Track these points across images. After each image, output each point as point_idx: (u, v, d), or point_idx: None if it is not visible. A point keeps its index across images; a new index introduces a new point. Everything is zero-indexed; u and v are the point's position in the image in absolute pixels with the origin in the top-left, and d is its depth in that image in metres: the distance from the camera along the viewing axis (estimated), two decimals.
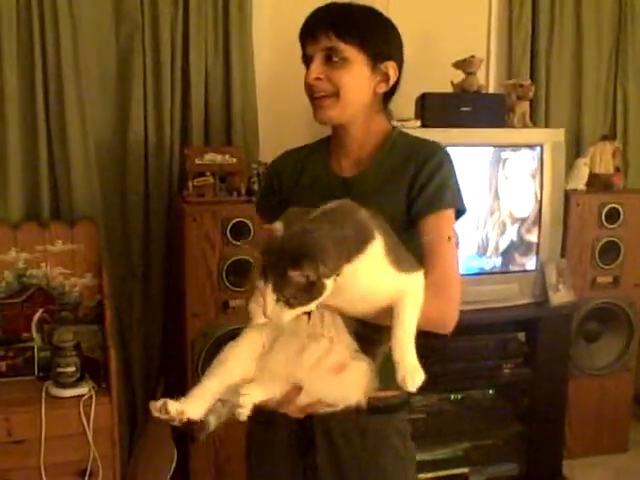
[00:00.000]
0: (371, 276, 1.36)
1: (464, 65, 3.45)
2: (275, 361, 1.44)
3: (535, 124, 3.72)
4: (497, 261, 3.42)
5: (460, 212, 1.68)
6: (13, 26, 3.06)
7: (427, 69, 3.60)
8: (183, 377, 3.16)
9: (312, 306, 1.32)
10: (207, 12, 3.33)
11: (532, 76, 3.86)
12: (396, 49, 1.69)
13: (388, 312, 1.39)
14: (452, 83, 3.49)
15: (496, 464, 3.48)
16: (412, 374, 1.31)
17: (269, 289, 1.29)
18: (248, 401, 1.37)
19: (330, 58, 1.59)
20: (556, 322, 3.46)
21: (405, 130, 1.78)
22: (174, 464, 2.95)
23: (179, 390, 3.07)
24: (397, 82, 1.72)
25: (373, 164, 1.68)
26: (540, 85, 3.85)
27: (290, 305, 1.29)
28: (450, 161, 1.66)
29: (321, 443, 1.66)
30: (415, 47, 3.65)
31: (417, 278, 1.41)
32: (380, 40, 1.65)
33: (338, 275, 1.31)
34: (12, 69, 3.07)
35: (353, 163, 1.70)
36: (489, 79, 3.94)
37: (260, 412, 1.43)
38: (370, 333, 1.47)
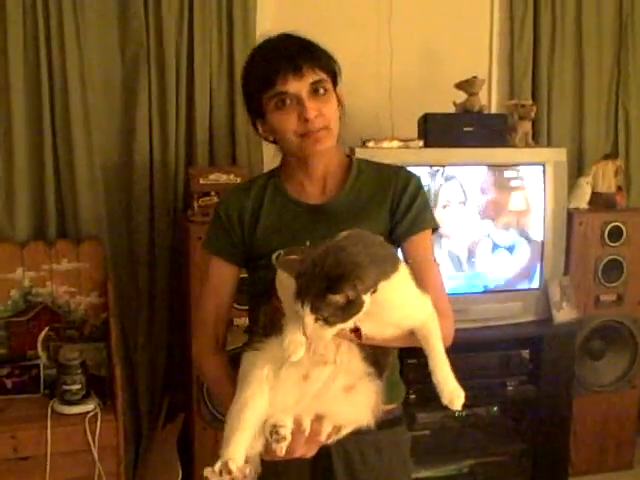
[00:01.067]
0: (404, 294, 1.41)
1: (466, 86, 3.48)
2: (282, 393, 1.44)
3: (537, 143, 3.74)
4: (501, 279, 3.42)
5: (434, 229, 1.75)
6: (20, 47, 3.10)
7: (429, 90, 3.67)
8: (188, 394, 3.17)
9: (351, 322, 1.35)
10: (211, 32, 3.37)
11: (534, 96, 3.88)
12: (339, 73, 1.71)
13: (407, 339, 1.46)
14: (454, 103, 3.52)
15: None
16: (458, 394, 1.41)
17: (307, 310, 1.30)
18: (288, 432, 1.39)
19: (316, 91, 1.60)
20: (560, 340, 3.46)
21: (386, 161, 1.82)
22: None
23: (183, 408, 3.08)
24: None
25: (344, 191, 1.70)
26: (542, 105, 3.87)
27: (329, 324, 1.31)
28: (423, 186, 1.74)
29: (338, 466, 1.67)
30: (417, 68, 3.77)
31: (430, 302, 1.47)
32: (336, 66, 1.68)
33: (375, 291, 1.34)
34: (19, 89, 3.11)
35: (319, 189, 1.72)
36: (491, 99, 3.97)
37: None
38: (380, 358, 1.51)
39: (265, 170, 3.42)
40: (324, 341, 1.38)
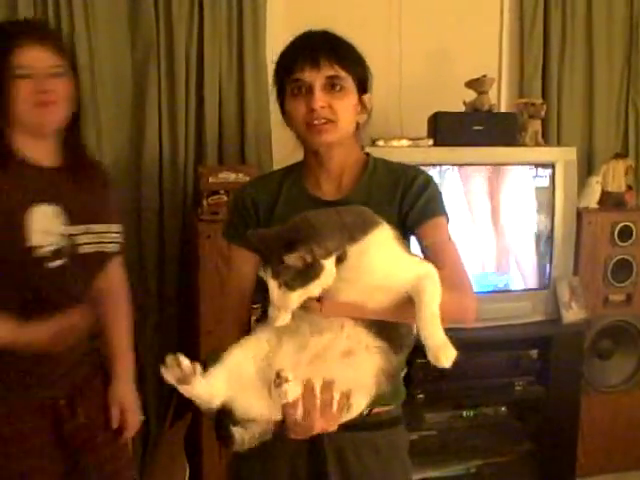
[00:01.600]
0: (383, 258, 1.43)
1: (476, 84, 3.47)
2: (280, 359, 1.46)
3: (547, 142, 3.73)
4: (510, 279, 3.42)
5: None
6: None
7: (439, 89, 3.66)
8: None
9: (315, 289, 1.38)
10: (221, 30, 3.38)
11: (544, 95, 3.87)
12: (370, 82, 1.76)
13: (406, 307, 1.45)
14: (464, 102, 3.51)
15: None
16: (444, 350, 1.35)
17: (269, 275, 1.36)
18: (290, 375, 1.39)
19: (332, 86, 1.64)
20: (569, 340, 3.46)
21: (396, 160, 1.84)
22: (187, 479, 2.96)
23: (191, 408, 3.08)
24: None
25: (357, 188, 1.73)
26: (552, 104, 3.86)
27: (290, 288, 1.36)
28: (434, 181, 1.75)
29: (332, 462, 1.67)
30: (427, 67, 3.76)
31: (432, 267, 1.48)
32: (366, 72, 1.73)
33: (343, 258, 1.38)
34: None
35: (335, 186, 1.75)
36: (501, 98, 3.96)
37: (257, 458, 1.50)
38: (391, 331, 1.51)
39: (274, 169, 3.46)
40: (291, 307, 1.39)
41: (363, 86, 1.71)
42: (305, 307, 1.42)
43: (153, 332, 3.42)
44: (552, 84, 3.91)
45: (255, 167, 3.35)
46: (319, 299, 1.43)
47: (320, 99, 1.62)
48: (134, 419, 2.17)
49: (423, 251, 1.66)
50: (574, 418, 3.52)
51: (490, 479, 3.41)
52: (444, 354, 1.35)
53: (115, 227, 2.07)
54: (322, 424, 1.47)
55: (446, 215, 1.73)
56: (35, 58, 1.86)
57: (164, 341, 3.43)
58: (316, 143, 1.68)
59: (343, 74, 1.64)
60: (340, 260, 1.39)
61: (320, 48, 1.64)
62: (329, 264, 1.37)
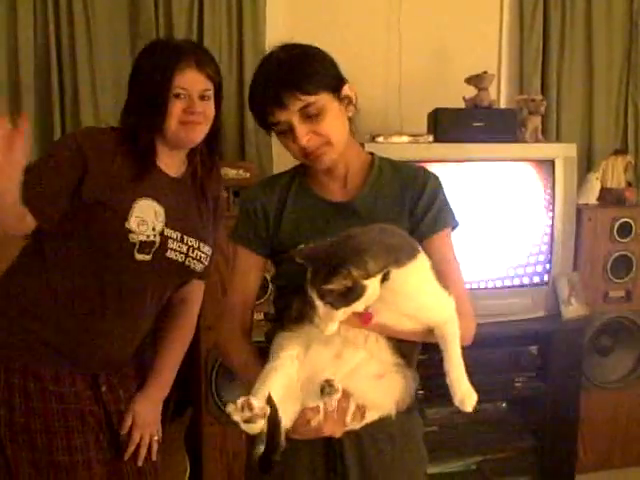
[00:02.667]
0: (421, 288, 1.48)
1: (476, 81, 3.47)
2: (313, 366, 1.50)
3: (546, 139, 3.73)
4: (509, 275, 3.42)
5: (454, 227, 1.77)
6: (30, 45, 3.11)
7: (439, 85, 3.66)
8: (196, 390, 3.18)
9: (359, 306, 1.43)
10: (221, 28, 3.38)
11: (543, 91, 3.87)
12: (338, 70, 1.71)
13: (425, 334, 1.52)
14: (464, 98, 3.51)
15: (508, 477, 3.48)
16: (469, 396, 1.48)
17: (315, 297, 1.41)
18: (340, 386, 1.43)
19: (307, 115, 1.61)
20: (568, 336, 3.46)
21: (396, 156, 1.84)
22: (187, 476, 2.96)
23: (191, 404, 3.09)
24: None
25: (365, 189, 1.73)
26: (551, 100, 3.86)
27: (335, 307, 1.41)
28: (442, 184, 1.76)
29: (350, 451, 1.69)
30: (427, 63, 3.76)
31: (453, 303, 1.53)
32: (328, 71, 1.67)
33: (386, 278, 1.42)
34: (29, 86, 3.12)
35: (341, 187, 1.75)
36: (500, 94, 3.97)
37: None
38: (406, 352, 1.57)
39: (274, 165, 3.48)
40: (336, 322, 1.44)
41: (337, 84, 1.68)
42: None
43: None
44: (552, 80, 3.91)
45: (255, 163, 3.35)
46: (367, 316, 1.48)
47: (303, 135, 1.62)
48: (136, 437, 2.18)
49: None
50: (574, 414, 3.52)
51: (490, 475, 3.42)
52: (469, 400, 1.48)
53: (207, 249, 2.16)
54: (331, 429, 1.51)
55: (454, 223, 1.74)
56: (192, 80, 1.98)
57: None
58: (321, 166, 1.69)
59: (312, 98, 1.61)
60: (384, 279, 1.43)
61: (280, 85, 1.60)
62: (372, 283, 1.41)
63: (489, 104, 3.50)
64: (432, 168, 1.80)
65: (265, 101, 1.62)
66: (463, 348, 1.60)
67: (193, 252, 2.10)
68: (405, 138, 3.26)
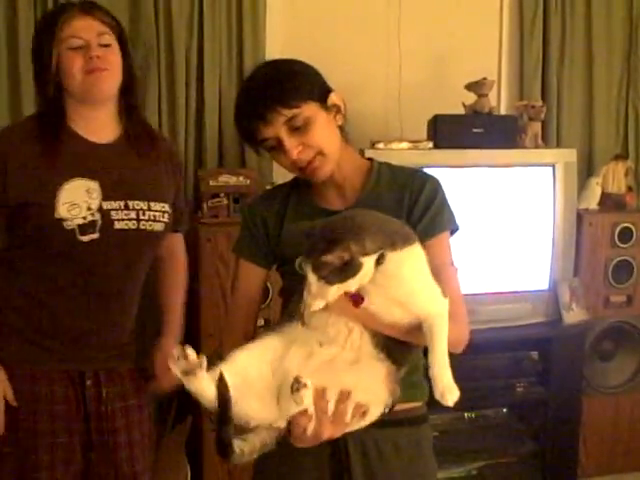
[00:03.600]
0: (415, 274, 1.46)
1: (476, 87, 3.48)
2: (289, 365, 1.48)
3: (547, 144, 3.74)
4: (510, 280, 3.42)
5: (454, 231, 1.75)
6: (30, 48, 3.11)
7: (439, 91, 3.66)
8: (195, 400, 3.17)
9: (352, 285, 1.42)
10: (221, 35, 3.39)
11: (543, 97, 3.87)
12: (322, 79, 1.69)
13: (413, 331, 1.49)
14: (464, 105, 3.51)
15: None
16: (450, 390, 1.42)
17: (309, 269, 1.40)
18: (309, 382, 1.40)
19: (294, 127, 1.59)
20: (569, 341, 3.46)
21: (396, 162, 1.83)
22: None
23: (192, 411, 3.08)
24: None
25: (364, 196, 1.72)
26: (551, 105, 3.86)
27: (329, 282, 1.39)
28: (441, 186, 1.73)
29: (355, 459, 1.68)
30: (427, 70, 3.77)
31: (447, 303, 1.50)
32: (311, 82, 1.65)
33: (381, 261, 1.41)
34: (29, 95, 3.12)
35: (340, 195, 1.74)
36: (500, 100, 3.97)
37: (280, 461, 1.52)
38: (393, 349, 1.53)
39: (274, 172, 3.48)
40: (328, 299, 1.42)
41: (323, 93, 1.66)
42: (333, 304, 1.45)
43: (153, 335, 3.41)
44: (552, 86, 3.91)
45: (255, 170, 3.35)
46: (357, 298, 1.46)
47: (293, 148, 1.60)
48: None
49: None
50: (575, 419, 3.53)
51: None
52: (450, 394, 1.41)
53: (160, 206, 2.11)
54: (330, 431, 1.48)
55: (453, 226, 1.72)
56: (82, 27, 1.93)
57: None
58: (318, 179, 1.68)
59: (296, 111, 1.58)
60: (378, 262, 1.42)
61: (261, 102, 1.58)
62: (368, 262, 1.40)
63: (489, 110, 3.50)
64: (432, 174, 1.79)
65: (249, 119, 1.60)
66: (468, 352, 1.61)
67: (144, 214, 2.06)
68: (405, 144, 3.27)
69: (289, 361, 1.48)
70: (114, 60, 1.99)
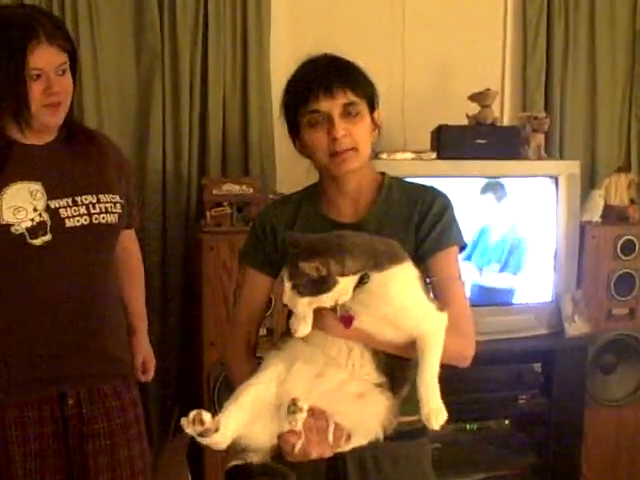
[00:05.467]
0: (403, 293, 1.46)
1: (479, 98, 3.48)
2: (292, 385, 1.49)
3: (550, 156, 3.74)
4: (513, 292, 3.42)
5: (462, 248, 1.77)
6: None
7: (443, 102, 3.67)
8: (199, 405, 3.16)
9: (326, 301, 1.43)
10: (225, 43, 3.40)
11: (546, 108, 3.88)
12: (377, 99, 1.75)
13: (410, 348, 1.49)
14: (467, 115, 3.52)
15: None
16: (436, 414, 1.42)
17: (286, 276, 1.43)
18: (305, 406, 1.43)
19: (347, 112, 1.64)
20: (572, 353, 3.45)
21: (399, 173, 1.87)
22: None
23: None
24: None
25: (373, 210, 1.74)
26: (555, 117, 3.87)
27: (301, 293, 1.41)
28: (451, 203, 1.76)
29: (352, 472, 1.68)
30: (431, 80, 3.78)
31: (443, 318, 1.51)
32: (374, 91, 1.73)
33: (365, 280, 1.42)
34: None
35: (352, 208, 1.75)
36: (504, 111, 3.97)
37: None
38: (396, 370, 1.55)
39: (278, 181, 3.48)
40: (298, 311, 1.45)
41: (372, 104, 1.71)
42: (324, 325, 1.48)
43: (156, 343, 3.41)
44: (555, 97, 3.92)
45: (259, 179, 3.35)
46: (348, 318, 1.47)
47: (341, 127, 1.63)
48: (152, 365, 2.44)
49: (431, 283, 1.67)
50: (578, 431, 3.51)
51: None
52: (435, 418, 1.42)
53: (110, 197, 2.08)
54: (319, 450, 1.49)
55: (460, 242, 1.74)
56: (46, 58, 1.90)
57: (167, 352, 3.43)
58: (340, 172, 1.68)
59: (357, 99, 1.65)
60: (362, 282, 1.43)
61: (331, 76, 1.64)
62: (345, 282, 1.41)
63: (492, 121, 3.51)
64: (435, 185, 1.80)
65: (312, 86, 1.63)
66: (470, 364, 1.61)
67: (95, 207, 2.03)
68: (409, 155, 3.27)
69: (291, 380, 1.49)
70: (69, 88, 1.99)
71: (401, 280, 1.47)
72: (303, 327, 1.46)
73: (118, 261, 2.28)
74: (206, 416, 1.41)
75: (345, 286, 1.42)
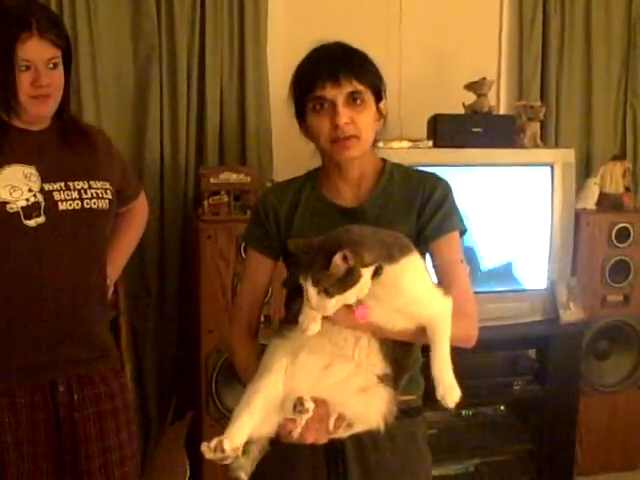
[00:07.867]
0: (414, 284, 1.49)
1: (475, 87, 3.49)
2: (298, 377, 1.52)
3: (545, 144, 3.75)
4: (508, 279, 3.44)
5: (463, 232, 1.79)
6: None
7: (439, 91, 3.67)
8: (196, 392, 3.19)
9: (351, 296, 1.45)
10: (223, 33, 3.41)
11: (542, 97, 3.89)
12: (384, 89, 1.78)
13: (418, 334, 1.53)
14: (463, 104, 3.53)
15: None
16: (451, 392, 1.47)
17: (309, 282, 1.42)
18: (311, 407, 1.46)
19: (352, 100, 1.66)
20: (566, 340, 3.48)
21: (395, 161, 1.86)
22: (187, 478, 2.97)
23: (192, 406, 3.09)
24: None
25: (375, 195, 1.76)
26: (550, 106, 3.88)
27: (329, 294, 1.42)
28: (451, 189, 1.78)
29: (350, 450, 1.71)
30: (427, 69, 3.78)
31: (449, 302, 1.54)
32: (380, 81, 1.75)
33: (379, 272, 1.44)
34: None
35: (353, 193, 1.77)
36: (500, 100, 3.98)
37: (274, 447, 1.55)
38: (399, 357, 1.58)
39: (275, 170, 3.49)
40: (327, 312, 1.46)
41: (379, 94, 1.74)
42: (335, 316, 1.49)
43: (154, 332, 3.44)
44: (551, 86, 3.93)
45: (256, 167, 3.37)
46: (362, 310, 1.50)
47: (344, 115, 1.65)
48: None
49: (434, 267, 1.71)
50: (572, 417, 3.54)
51: (489, 478, 3.43)
52: (450, 395, 1.47)
53: (101, 183, 2.09)
54: (315, 436, 1.53)
55: (462, 228, 1.77)
56: (36, 51, 1.91)
57: (165, 341, 3.45)
58: (341, 158, 1.71)
59: (362, 88, 1.67)
60: (376, 275, 1.45)
61: (338, 64, 1.66)
62: (366, 273, 1.43)
63: (488, 110, 3.52)
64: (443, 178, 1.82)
65: (319, 74, 1.66)
66: (465, 350, 1.64)
67: (86, 193, 2.04)
68: (405, 143, 3.28)
69: (298, 373, 1.52)
70: (59, 83, 1.99)
71: (412, 271, 1.49)
72: (314, 326, 1.48)
73: (119, 217, 2.29)
74: (227, 444, 1.45)
75: (367, 278, 1.44)
